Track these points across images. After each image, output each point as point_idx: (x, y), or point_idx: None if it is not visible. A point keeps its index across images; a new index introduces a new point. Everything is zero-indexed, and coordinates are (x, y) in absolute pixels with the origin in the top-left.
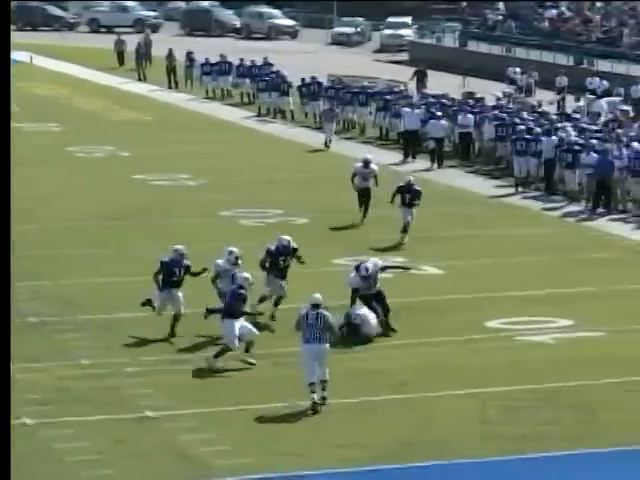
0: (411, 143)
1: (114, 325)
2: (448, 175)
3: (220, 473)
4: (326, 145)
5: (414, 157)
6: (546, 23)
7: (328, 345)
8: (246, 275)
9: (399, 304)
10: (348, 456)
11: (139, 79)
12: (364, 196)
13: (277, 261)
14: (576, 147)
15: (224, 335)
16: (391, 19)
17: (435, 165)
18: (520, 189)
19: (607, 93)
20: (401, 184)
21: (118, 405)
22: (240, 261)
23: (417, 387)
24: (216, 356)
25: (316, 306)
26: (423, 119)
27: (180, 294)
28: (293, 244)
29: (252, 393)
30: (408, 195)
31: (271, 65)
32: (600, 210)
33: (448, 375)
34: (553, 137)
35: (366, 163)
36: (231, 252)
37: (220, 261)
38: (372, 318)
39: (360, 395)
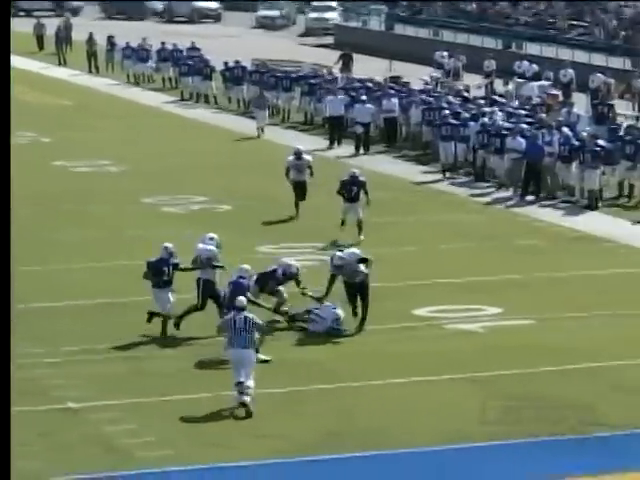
0: (336, 129)
1: (32, 314)
2: (375, 161)
3: (145, 464)
4: (258, 135)
5: (339, 143)
6: (474, 6)
7: (254, 351)
8: (246, 266)
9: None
10: (273, 447)
11: (59, 64)
12: (300, 189)
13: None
14: (503, 132)
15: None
16: (316, 2)
17: (361, 150)
18: (448, 175)
19: (537, 77)
20: (344, 178)
21: (40, 396)
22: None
23: (346, 376)
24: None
25: (241, 309)
26: (347, 104)
27: (170, 294)
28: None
29: (177, 384)
30: (354, 188)
31: (198, 49)
32: (529, 197)
33: (376, 364)
34: (480, 122)
35: (298, 155)
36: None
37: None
38: (330, 320)
39: (288, 385)
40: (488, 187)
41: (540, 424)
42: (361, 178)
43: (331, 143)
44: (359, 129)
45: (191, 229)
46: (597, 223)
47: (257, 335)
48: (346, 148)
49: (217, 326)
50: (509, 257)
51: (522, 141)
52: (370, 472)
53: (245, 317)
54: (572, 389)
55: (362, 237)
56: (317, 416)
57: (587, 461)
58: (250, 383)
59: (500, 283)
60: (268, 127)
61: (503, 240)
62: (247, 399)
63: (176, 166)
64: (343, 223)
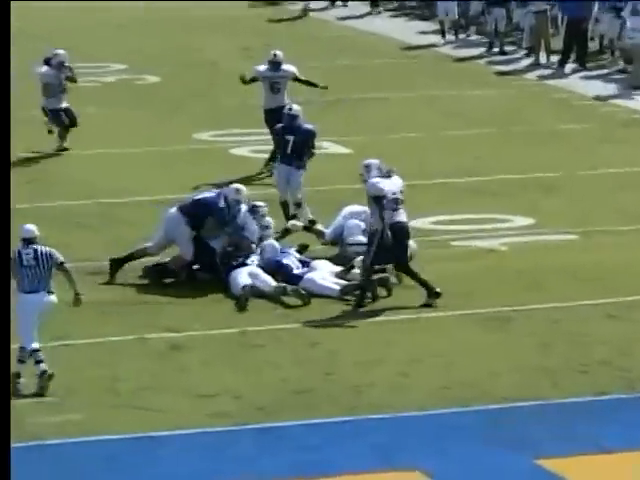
0: None
1: None
2: (362, 18)
3: (45, 434)
4: None
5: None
6: None
7: (54, 297)
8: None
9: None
10: (218, 410)
11: None
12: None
13: None
14: None
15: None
16: None
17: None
18: (449, 35)
19: None
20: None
21: None
22: None
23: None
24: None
25: (29, 241)
26: None
27: None
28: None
29: (85, 322)
30: (291, 139)
31: None
32: (570, 65)
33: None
34: None
35: (275, 63)
36: None
37: None
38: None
39: (240, 324)
40: (514, 52)
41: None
42: (303, 124)
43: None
44: None
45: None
46: None
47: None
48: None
49: None
50: (541, 148)
51: None
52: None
53: (34, 251)
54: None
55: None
56: (282, 368)
57: None
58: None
59: (529, 184)
60: None
61: (533, 124)
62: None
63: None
64: (285, 206)
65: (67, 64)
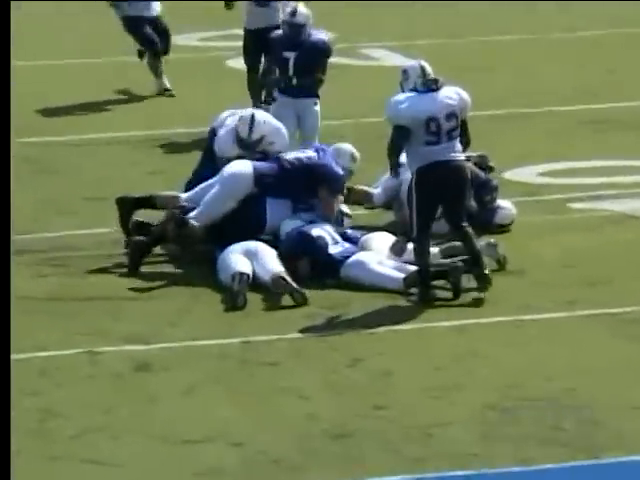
0: None
1: None
2: None
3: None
4: None
5: None
6: None
7: None
8: None
9: None
10: (208, 465)
11: None
12: None
13: None
14: None
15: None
16: None
17: None
18: None
19: None
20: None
21: None
22: None
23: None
24: None
25: None
26: None
27: None
28: None
29: None
30: (292, 56)
31: None
32: None
33: None
34: None
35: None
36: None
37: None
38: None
39: (242, 330)
40: None
41: None
42: (320, 36)
43: None
44: None
45: None
46: None
47: None
48: None
49: None
50: None
51: None
52: None
53: None
54: None
55: None
56: None
57: None
58: None
59: None
60: None
61: None
62: None
63: None
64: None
65: None
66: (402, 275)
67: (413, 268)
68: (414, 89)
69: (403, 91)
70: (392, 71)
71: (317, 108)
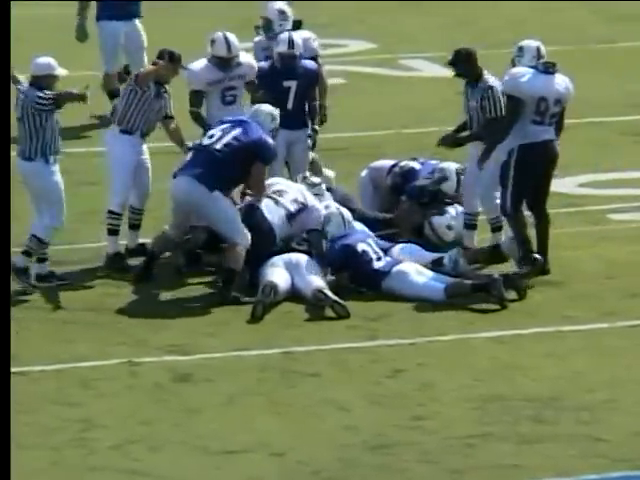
0: None
1: None
2: None
3: None
4: None
5: None
6: None
7: None
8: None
9: None
10: (249, 475)
11: None
12: None
13: None
14: None
15: None
16: None
17: None
18: None
19: None
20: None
21: None
22: None
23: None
24: None
25: None
26: None
27: None
28: None
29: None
30: (293, 85)
31: None
32: None
33: None
34: None
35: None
36: None
37: None
38: None
39: (283, 341)
40: None
41: None
42: (310, 63)
43: None
44: None
45: None
46: None
47: None
48: None
49: None
50: None
51: None
52: None
53: None
54: None
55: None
56: None
57: None
58: None
59: None
60: None
61: None
62: None
63: None
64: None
65: None
66: (442, 285)
67: (452, 279)
68: (534, 67)
69: (514, 66)
70: (432, 82)
71: (309, 142)
